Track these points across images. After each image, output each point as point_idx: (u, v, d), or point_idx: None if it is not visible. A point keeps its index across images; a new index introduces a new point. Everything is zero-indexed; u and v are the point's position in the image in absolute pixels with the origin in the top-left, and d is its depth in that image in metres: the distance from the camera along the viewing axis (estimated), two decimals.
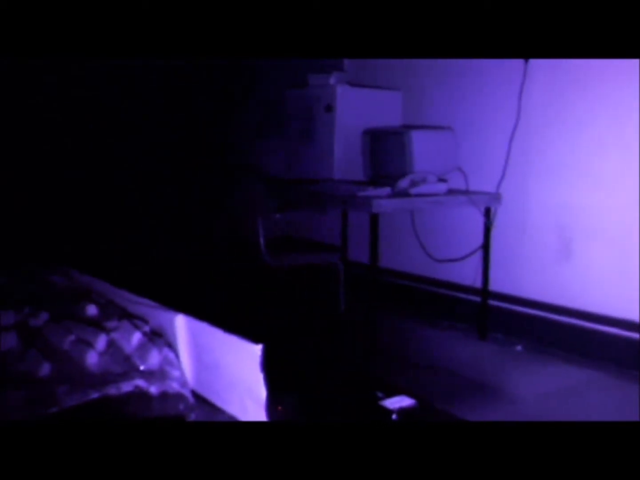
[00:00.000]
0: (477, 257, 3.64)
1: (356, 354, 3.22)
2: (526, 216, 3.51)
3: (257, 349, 1.13)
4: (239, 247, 3.71)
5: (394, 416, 1.12)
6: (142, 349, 1.42)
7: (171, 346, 1.46)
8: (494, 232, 3.58)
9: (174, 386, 1.28)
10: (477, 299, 3.64)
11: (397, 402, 1.14)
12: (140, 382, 1.24)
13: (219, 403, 1.31)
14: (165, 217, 6.07)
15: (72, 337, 1.48)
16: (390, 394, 1.16)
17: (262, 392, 1.05)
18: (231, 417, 1.20)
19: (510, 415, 2.42)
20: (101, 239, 5.39)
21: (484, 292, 3.58)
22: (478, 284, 3.62)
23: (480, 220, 3.56)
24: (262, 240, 3.26)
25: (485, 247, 3.57)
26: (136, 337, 1.46)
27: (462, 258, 3.73)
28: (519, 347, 3.41)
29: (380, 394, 1.17)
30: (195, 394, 1.33)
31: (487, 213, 3.55)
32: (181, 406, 1.23)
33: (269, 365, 1.09)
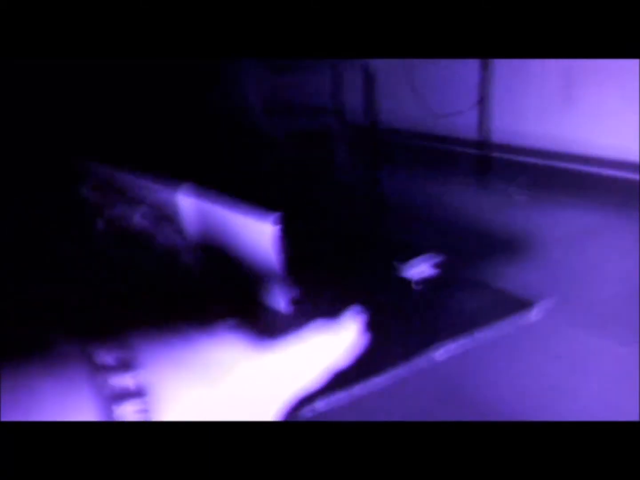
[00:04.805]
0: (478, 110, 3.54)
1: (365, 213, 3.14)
2: (528, 62, 3.37)
3: (272, 228, 1.08)
4: (233, 114, 3.58)
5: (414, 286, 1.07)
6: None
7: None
8: (495, 83, 3.45)
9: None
10: (478, 151, 3.58)
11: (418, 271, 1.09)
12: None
13: None
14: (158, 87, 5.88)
15: None
16: (409, 256, 1.10)
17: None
18: None
19: (532, 261, 2.37)
20: None
21: (483, 143, 3.52)
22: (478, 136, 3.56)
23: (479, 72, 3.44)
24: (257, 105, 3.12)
25: (483, 98, 3.46)
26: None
27: (462, 111, 3.63)
28: (523, 196, 3.38)
29: (397, 262, 1.11)
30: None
31: (484, 64, 3.42)
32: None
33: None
